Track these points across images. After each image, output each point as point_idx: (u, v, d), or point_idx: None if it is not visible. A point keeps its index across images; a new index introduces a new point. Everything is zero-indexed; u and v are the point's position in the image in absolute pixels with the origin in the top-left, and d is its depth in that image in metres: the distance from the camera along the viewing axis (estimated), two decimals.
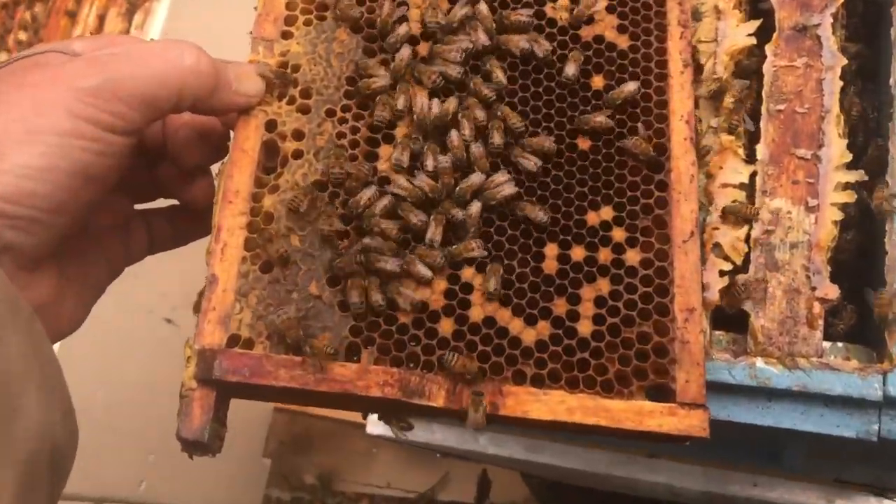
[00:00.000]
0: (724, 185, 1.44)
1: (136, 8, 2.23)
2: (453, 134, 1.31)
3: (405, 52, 1.34)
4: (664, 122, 1.37)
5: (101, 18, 2.19)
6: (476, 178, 1.29)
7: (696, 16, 1.54)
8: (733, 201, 1.42)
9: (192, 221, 1.41)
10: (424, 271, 1.23)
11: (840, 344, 1.35)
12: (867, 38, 1.55)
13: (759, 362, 1.32)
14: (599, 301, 1.26)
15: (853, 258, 1.45)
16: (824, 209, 1.38)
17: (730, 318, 1.40)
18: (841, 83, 1.43)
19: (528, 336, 1.24)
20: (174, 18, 2.28)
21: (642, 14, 1.44)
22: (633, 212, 1.32)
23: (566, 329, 1.24)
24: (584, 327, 1.25)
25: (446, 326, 1.23)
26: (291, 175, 1.29)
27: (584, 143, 1.36)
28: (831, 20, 1.47)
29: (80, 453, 1.01)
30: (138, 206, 1.42)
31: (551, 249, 1.29)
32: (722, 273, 1.39)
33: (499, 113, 1.33)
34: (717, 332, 1.40)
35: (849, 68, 1.48)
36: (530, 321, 1.25)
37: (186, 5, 2.30)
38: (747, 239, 1.40)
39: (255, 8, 1.39)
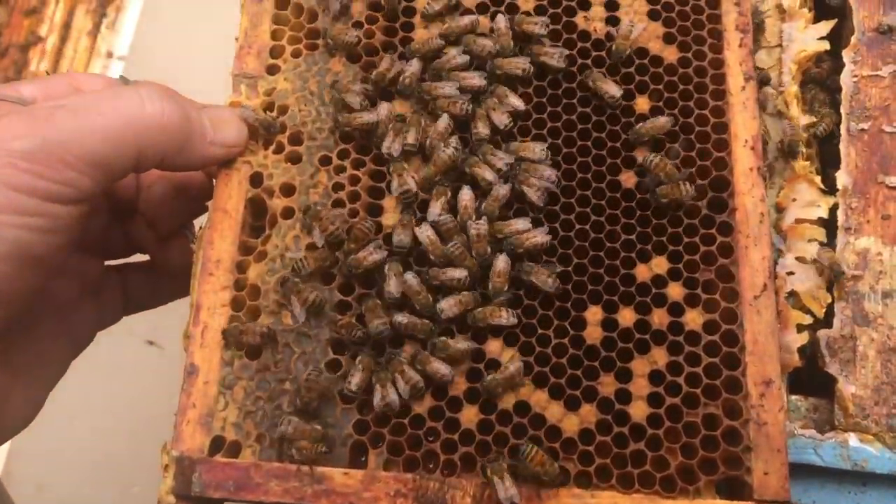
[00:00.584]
0: (799, 221, 1.20)
1: (107, 4, 2.01)
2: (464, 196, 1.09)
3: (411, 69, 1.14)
4: (725, 150, 1.14)
5: (71, 14, 1.97)
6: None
7: (756, 16, 1.29)
8: (809, 240, 1.19)
9: (173, 280, 1.23)
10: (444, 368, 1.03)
11: None
12: None
13: (853, 439, 1.09)
14: (655, 377, 1.05)
15: None
16: None
17: (809, 377, 1.17)
18: None
19: (570, 424, 1.03)
20: (149, 14, 2.04)
21: (693, 19, 1.21)
22: (692, 262, 1.09)
23: (616, 414, 1.03)
24: (638, 410, 1.03)
25: (470, 416, 1.03)
26: (281, 239, 1.10)
27: (628, 180, 1.14)
28: None
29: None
30: (111, 263, 1.24)
31: (594, 313, 1.08)
32: (800, 328, 1.16)
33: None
34: (794, 398, 1.17)
35: None
36: (572, 405, 1.04)
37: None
38: (830, 286, 1.16)
39: (236, 39, 1.19)
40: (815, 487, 1.11)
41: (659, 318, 1.07)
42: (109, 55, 1.94)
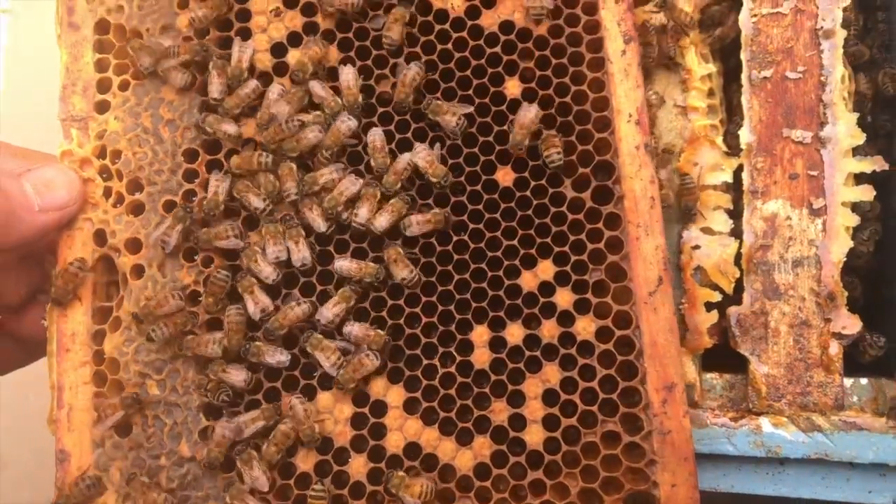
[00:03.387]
0: (702, 188, 1.11)
1: None
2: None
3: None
4: (607, 129, 1.04)
5: None
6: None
7: None
8: (715, 208, 1.10)
9: (32, 346, 1.16)
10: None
11: (864, 381, 1.05)
12: None
13: (766, 424, 1.04)
14: (549, 397, 1.00)
15: (870, 259, 1.12)
16: (834, 211, 1.05)
17: (723, 354, 1.11)
18: (844, 32, 1.06)
19: (465, 461, 0.98)
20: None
21: None
22: (580, 263, 1.02)
23: (511, 442, 0.99)
24: (534, 436, 0.99)
25: (358, 466, 0.98)
26: (133, 304, 1.02)
27: (505, 177, 1.04)
28: None
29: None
30: None
31: (480, 334, 1.02)
32: (709, 306, 1.09)
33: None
34: (709, 376, 1.11)
35: (851, 6, 1.09)
36: (464, 439, 0.99)
37: None
38: (738, 258, 1.08)
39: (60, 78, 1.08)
40: (732, 471, 1.07)
41: (549, 330, 1.01)
42: None
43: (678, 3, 1.12)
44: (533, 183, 1.04)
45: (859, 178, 1.07)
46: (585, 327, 1.00)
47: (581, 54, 1.06)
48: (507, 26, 1.07)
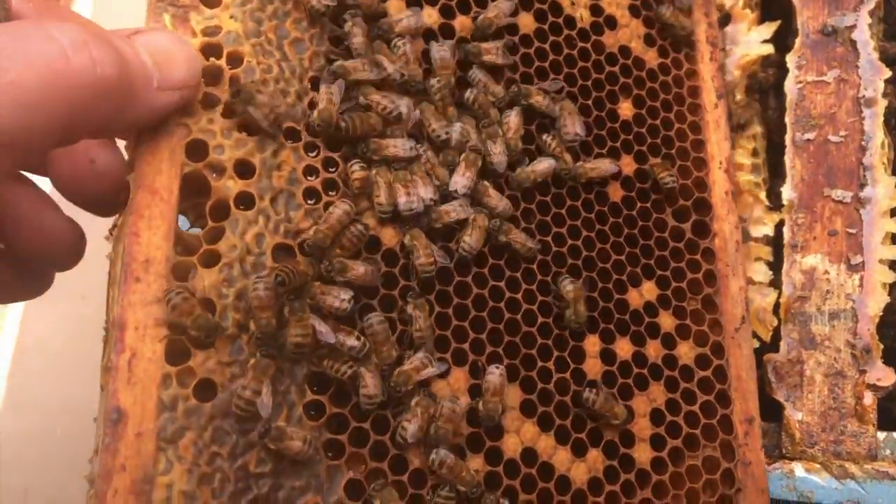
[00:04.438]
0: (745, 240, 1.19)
1: None
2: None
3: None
4: (703, 170, 1.09)
5: None
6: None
7: (723, 14, 1.26)
8: (756, 259, 1.18)
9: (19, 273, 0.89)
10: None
11: None
12: None
13: (799, 469, 1.11)
14: (656, 416, 0.97)
15: None
16: (871, 268, 1.16)
17: (759, 401, 1.17)
18: (885, 102, 1.21)
19: (579, 473, 0.92)
20: None
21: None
22: (680, 290, 1.04)
23: (622, 458, 0.94)
24: (643, 454, 0.96)
25: (475, 466, 0.87)
26: (239, 237, 0.83)
27: (615, 193, 1.04)
28: (868, 19, 1.22)
29: None
30: None
31: (592, 343, 0.97)
32: None
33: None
34: None
35: (893, 78, 1.23)
36: (579, 451, 0.93)
37: None
38: (776, 308, 1.17)
39: None
40: None
41: (654, 350, 1.00)
42: None
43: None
44: (639, 204, 1.05)
45: None
46: (686, 352, 1.01)
47: (683, 96, 1.12)
48: (624, 51, 1.10)
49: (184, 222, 0.85)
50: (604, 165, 1.03)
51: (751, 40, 1.26)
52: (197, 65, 0.81)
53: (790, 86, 1.22)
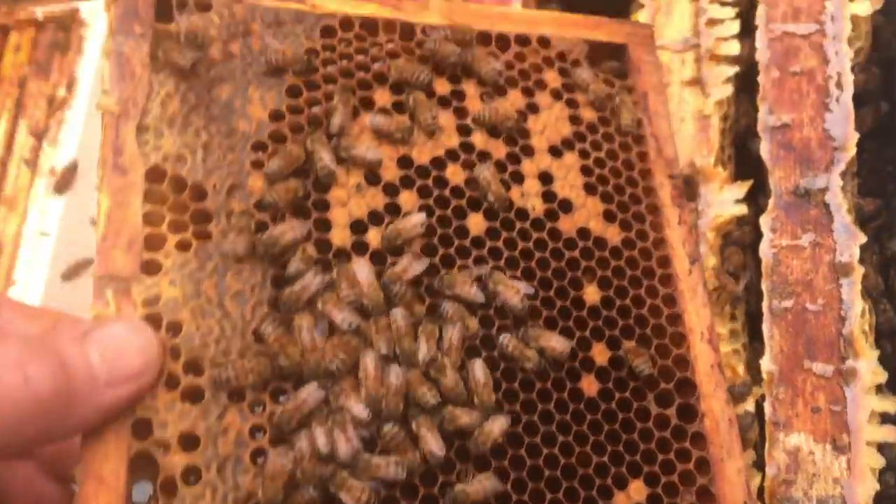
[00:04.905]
0: None
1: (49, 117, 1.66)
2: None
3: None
4: (683, 345, 1.05)
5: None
6: None
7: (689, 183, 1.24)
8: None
9: None
10: None
11: None
12: (884, 190, 1.30)
13: None
14: None
15: None
16: (858, 450, 1.09)
17: None
18: (862, 269, 1.17)
19: None
20: (93, 125, 1.71)
21: (629, 193, 1.12)
22: (671, 485, 0.99)
23: None
24: None
25: None
26: None
27: (590, 387, 1.01)
28: (840, 181, 1.20)
29: None
30: None
31: None
32: None
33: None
34: None
35: (870, 238, 1.20)
36: None
37: None
38: (760, 492, 1.10)
39: (92, 222, 0.91)
40: None
41: None
42: (52, 172, 1.68)
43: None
44: (617, 395, 1.01)
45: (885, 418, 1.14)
46: None
47: (653, 268, 1.09)
48: (583, 233, 1.08)
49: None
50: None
51: (724, 200, 1.24)
52: (152, 353, 0.82)
53: (765, 249, 1.19)
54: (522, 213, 1.07)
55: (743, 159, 1.32)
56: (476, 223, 1.04)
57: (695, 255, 1.11)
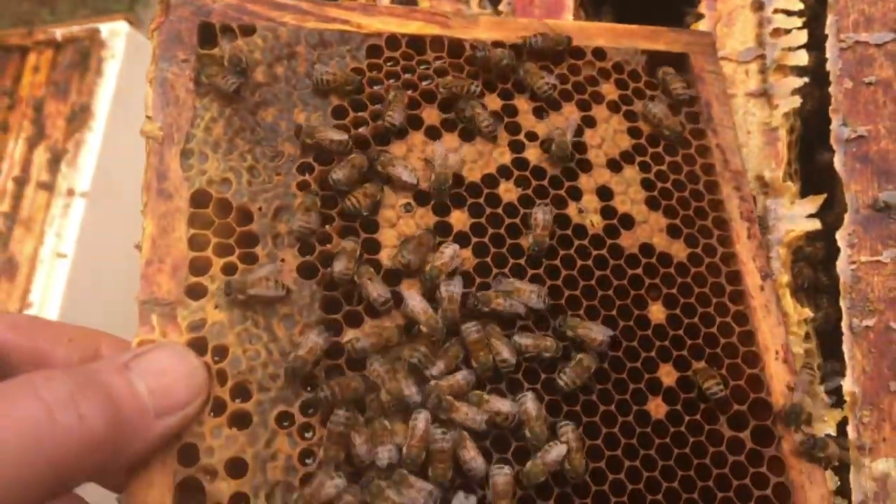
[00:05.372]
0: None
1: (66, 139, 1.72)
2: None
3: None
4: (758, 365, 0.98)
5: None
6: None
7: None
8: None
9: None
10: None
11: None
12: None
13: None
14: None
15: None
16: None
17: None
18: None
19: None
20: (110, 148, 1.72)
21: (694, 206, 1.07)
22: None
23: None
24: None
25: None
26: None
27: (658, 409, 0.95)
28: None
29: None
30: None
31: None
32: None
33: None
34: None
35: None
36: None
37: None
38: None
39: (137, 247, 0.90)
40: None
41: None
42: (70, 193, 1.72)
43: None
44: (687, 418, 0.95)
45: None
46: None
47: (722, 285, 1.03)
48: (646, 249, 1.03)
49: None
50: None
51: (794, 215, 1.17)
52: (199, 380, 0.81)
53: (843, 266, 1.12)
54: (581, 230, 1.02)
55: (809, 174, 1.25)
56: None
57: (766, 270, 1.05)
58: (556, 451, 0.87)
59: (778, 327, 1.01)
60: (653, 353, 0.98)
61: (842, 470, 1.04)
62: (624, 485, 0.91)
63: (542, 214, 0.99)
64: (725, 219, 1.07)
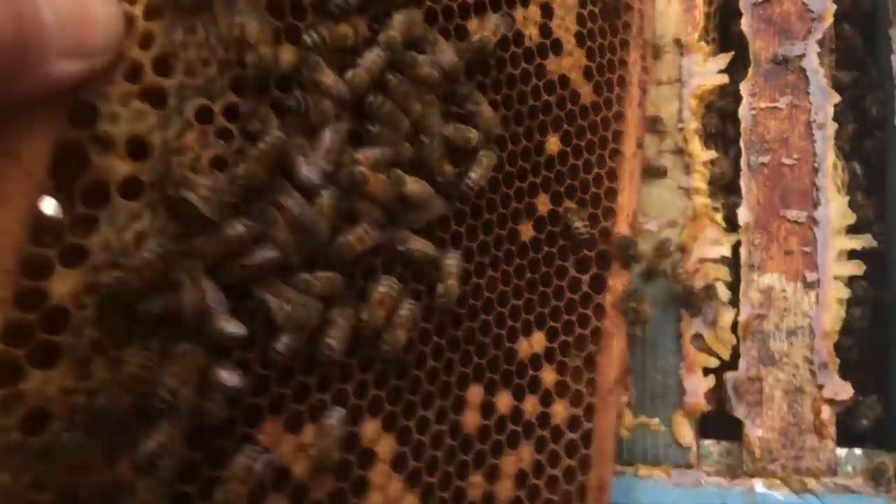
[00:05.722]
0: (702, 261, 1.20)
1: None
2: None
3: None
4: (611, 220, 1.06)
5: None
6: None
7: (656, 53, 1.24)
8: (714, 280, 1.19)
9: None
10: None
11: (858, 451, 1.18)
12: (861, 63, 1.34)
13: (759, 485, 1.13)
14: (520, 478, 0.94)
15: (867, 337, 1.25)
16: (826, 285, 1.19)
17: (720, 420, 1.18)
18: (836, 125, 1.24)
19: None
20: None
21: (608, 59, 1.09)
22: (566, 344, 1.01)
23: None
24: None
25: None
26: (116, 232, 0.68)
27: (526, 232, 0.99)
28: (817, 48, 1.26)
29: None
30: None
31: (474, 394, 0.92)
32: (706, 371, 1.16)
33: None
34: (706, 442, 1.17)
35: (843, 105, 1.27)
36: None
37: None
38: (734, 326, 1.18)
39: None
40: None
41: (532, 406, 0.97)
42: None
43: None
44: (545, 249, 1.00)
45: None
46: (560, 412, 0.99)
47: (607, 139, 1.07)
48: (564, 80, 1.03)
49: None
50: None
51: (706, 71, 1.26)
52: (116, 27, 0.65)
53: (744, 112, 1.25)
54: (519, 38, 0.99)
55: (727, 43, 1.33)
56: (475, 28, 0.95)
57: (641, 140, 1.11)
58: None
59: (635, 195, 1.09)
60: (538, 180, 1.00)
61: (732, 286, 1.20)
62: (481, 290, 0.94)
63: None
64: (627, 81, 1.10)
